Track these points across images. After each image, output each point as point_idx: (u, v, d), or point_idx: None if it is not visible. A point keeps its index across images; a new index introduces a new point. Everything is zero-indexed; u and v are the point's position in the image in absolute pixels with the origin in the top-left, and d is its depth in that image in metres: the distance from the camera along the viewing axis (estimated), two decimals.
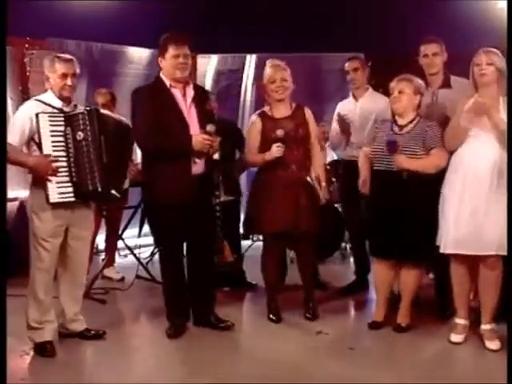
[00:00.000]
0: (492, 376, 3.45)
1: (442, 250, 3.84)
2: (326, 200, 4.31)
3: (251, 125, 4.41)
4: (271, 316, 4.37)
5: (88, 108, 3.84)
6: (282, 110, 4.32)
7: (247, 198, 4.57)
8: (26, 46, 5.67)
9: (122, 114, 5.26)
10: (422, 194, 3.96)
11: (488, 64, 3.75)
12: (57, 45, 5.79)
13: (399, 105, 4.05)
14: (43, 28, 5.66)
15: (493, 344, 3.78)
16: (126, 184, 4.18)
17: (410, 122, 4.05)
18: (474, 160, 3.75)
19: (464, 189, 3.76)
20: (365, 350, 3.92)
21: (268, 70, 4.29)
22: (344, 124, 4.85)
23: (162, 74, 4.04)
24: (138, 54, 6.73)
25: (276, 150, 4.15)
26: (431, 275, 4.95)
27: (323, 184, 4.30)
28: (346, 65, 4.97)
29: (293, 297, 4.62)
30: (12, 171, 3.79)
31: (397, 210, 3.98)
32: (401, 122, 4.08)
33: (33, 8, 5.38)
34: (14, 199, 5.32)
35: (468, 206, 3.73)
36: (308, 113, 4.37)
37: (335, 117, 5.01)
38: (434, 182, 3.95)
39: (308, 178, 4.25)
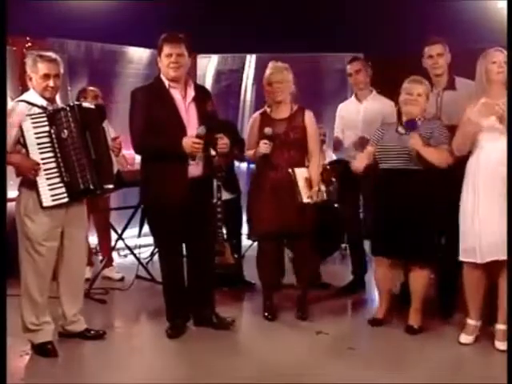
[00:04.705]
0: (499, 377, 3.37)
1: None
2: (312, 201, 4.21)
3: (250, 121, 4.50)
4: (266, 314, 4.39)
5: (70, 104, 3.76)
6: (281, 112, 4.33)
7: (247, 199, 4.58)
8: (27, 46, 5.65)
9: (123, 114, 5.28)
10: (428, 193, 3.96)
11: (505, 62, 3.72)
12: (57, 45, 5.79)
13: (415, 108, 4.00)
14: (43, 28, 5.65)
15: (503, 345, 3.76)
16: (116, 168, 4.00)
17: None
18: (485, 165, 3.70)
19: (479, 195, 3.71)
20: (364, 350, 3.93)
21: (267, 72, 4.31)
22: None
23: (161, 74, 4.04)
24: (138, 54, 6.72)
25: (263, 147, 4.20)
26: (431, 275, 4.95)
27: (315, 187, 4.25)
28: (348, 67, 4.97)
29: (292, 296, 4.62)
30: (12, 171, 3.75)
31: (403, 208, 3.98)
32: None
33: (33, 8, 5.37)
34: (15, 199, 5.28)
35: (486, 212, 3.69)
36: (308, 116, 4.35)
37: (339, 115, 4.95)
38: (440, 181, 3.94)
39: (289, 170, 4.21)
